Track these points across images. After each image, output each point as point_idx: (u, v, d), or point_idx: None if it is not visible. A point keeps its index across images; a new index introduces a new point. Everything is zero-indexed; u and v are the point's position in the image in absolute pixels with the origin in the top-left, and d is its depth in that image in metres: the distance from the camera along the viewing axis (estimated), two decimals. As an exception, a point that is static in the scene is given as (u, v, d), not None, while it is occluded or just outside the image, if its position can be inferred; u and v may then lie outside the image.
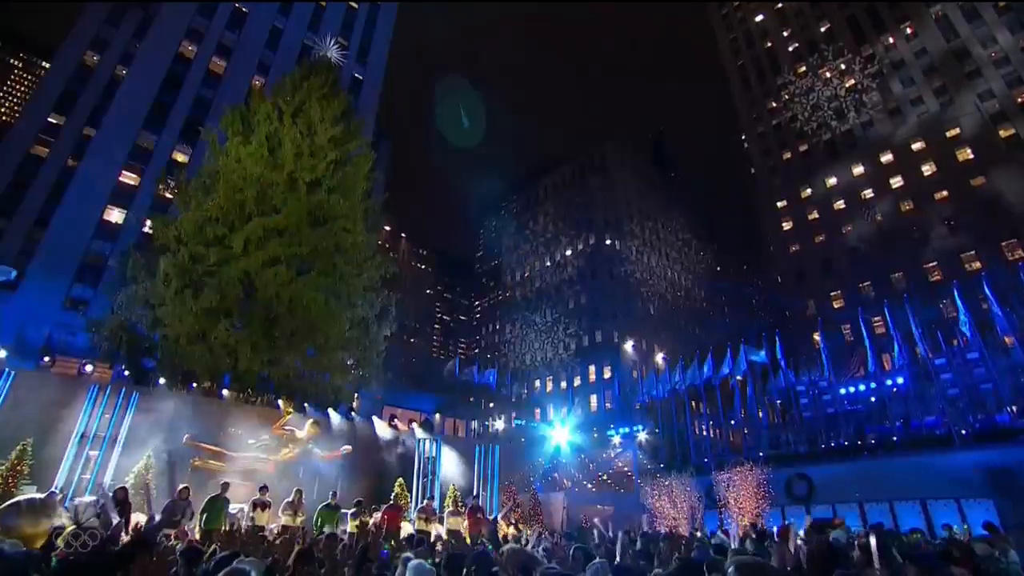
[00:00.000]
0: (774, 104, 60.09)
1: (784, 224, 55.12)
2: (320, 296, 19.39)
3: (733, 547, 6.61)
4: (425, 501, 14.16)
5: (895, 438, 21.28)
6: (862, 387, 25.01)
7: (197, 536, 8.65)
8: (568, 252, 69.49)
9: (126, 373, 15.55)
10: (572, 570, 4.62)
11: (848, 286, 47.14)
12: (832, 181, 52.86)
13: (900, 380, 24.32)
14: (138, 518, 10.32)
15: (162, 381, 16.23)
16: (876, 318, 34.54)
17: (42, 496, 9.93)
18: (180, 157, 32.71)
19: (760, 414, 26.84)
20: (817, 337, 24.50)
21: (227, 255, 18.25)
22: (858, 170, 51.20)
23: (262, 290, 18.48)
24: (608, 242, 65.32)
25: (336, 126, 22.45)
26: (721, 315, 79.78)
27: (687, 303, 73.28)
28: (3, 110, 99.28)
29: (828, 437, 22.87)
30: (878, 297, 38.19)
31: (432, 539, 10.64)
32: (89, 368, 14.80)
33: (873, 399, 24.76)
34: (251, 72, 36.61)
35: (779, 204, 56.09)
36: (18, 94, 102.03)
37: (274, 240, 19.21)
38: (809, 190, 54.37)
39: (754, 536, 7.95)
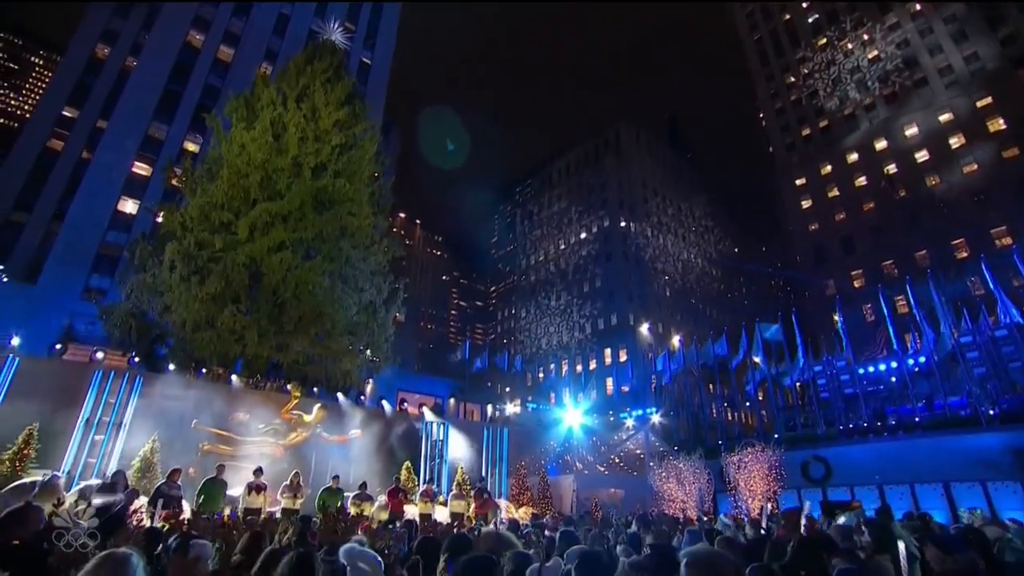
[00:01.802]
0: (792, 79, 58.12)
1: (803, 202, 53.58)
2: (326, 280, 19.31)
3: (728, 534, 6.25)
4: (425, 484, 14.05)
5: (917, 419, 20.55)
6: (882, 367, 24.12)
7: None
8: (583, 235, 68.69)
9: (136, 360, 15.65)
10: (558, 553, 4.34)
11: (870, 265, 45.75)
12: (853, 157, 51.07)
13: (923, 359, 23.46)
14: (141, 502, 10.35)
15: (172, 367, 16.33)
16: (899, 297, 33.39)
17: (45, 479, 10.05)
18: (191, 147, 32.83)
19: (777, 395, 26.22)
20: (836, 317, 23.67)
21: (232, 241, 18.22)
22: (881, 144, 49.35)
23: (268, 275, 18.44)
24: (623, 224, 64.34)
25: (341, 109, 22.20)
26: (738, 296, 78.51)
27: (704, 284, 72.10)
28: (27, 107, 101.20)
29: (846, 418, 22.20)
30: (901, 275, 36.92)
31: (430, 521, 10.54)
32: (100, 355, 14.90)
33: (894, 379, 23.90)
34: (259, 60, 36.45)
35: (798, 182, 54.47)
36: (39, 91, 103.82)
37: (279, 225, 19.12)
38: (829, 167, 52.63)
39: (757, 519, 7.57)
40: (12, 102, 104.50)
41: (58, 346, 14.97)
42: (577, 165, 75.69)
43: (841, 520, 8.27)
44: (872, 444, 19.56)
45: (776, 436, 19.94)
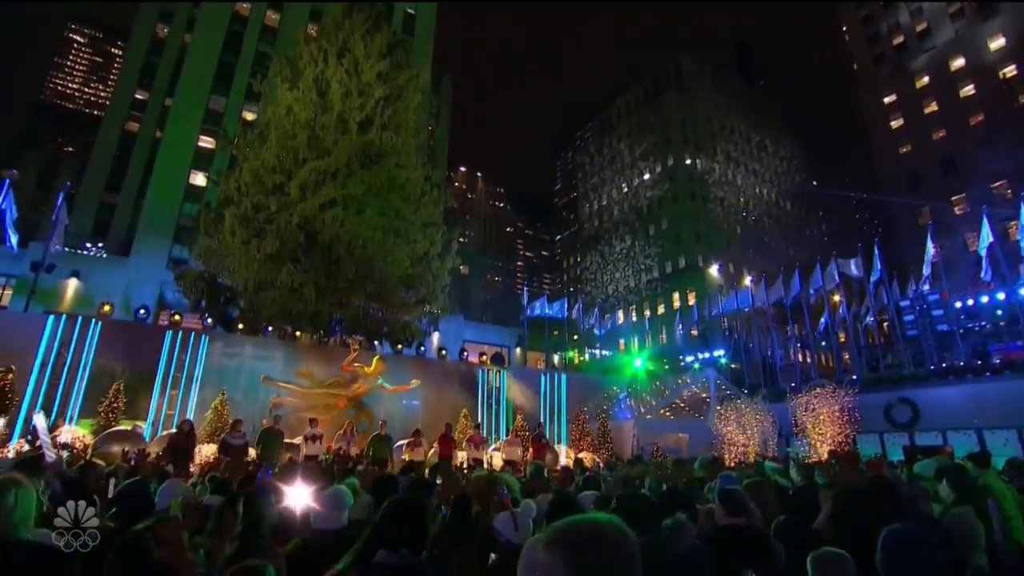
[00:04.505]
0: (883, -22, 50.71)
1: (892, 122, 47.68)
2: (378, 234, 19.43)
3: (774, 478, 5.60)
4: (473, 431, 14.19)
5: (1029, 355, 18.17)
6: (984, 299, 21.25)
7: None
8: (646, 176, 65.57)
9: (209, 321, 16.65)
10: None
11: (975, 186, 40.24)
12: (959, 63, 44.31)
13: (1039, 289, 20.52)
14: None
15: (241, 327, 17.33)
16: (1011, 222, 29.25)
17: (129, 428, 11.13)
18: (249, 115, 33.72)
19: (858, 334, 24.14)
20: (930, 247, 21.03)
21: (286, 202, 18.66)
22: (996, 44, 42.30)
23: (322, 233, 18.82)
24: (688, 161, 60.64)
25: (382, 61, 21.73)
26: (816, 232, 72.60)
27: (778, 220, 67.23)
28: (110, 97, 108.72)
29: (939, 357, 19.99)
30: (1015, 197, 32.23)
31: (480, 466, 10.61)
32: (176, 317, 15.93)
33: (1000, 312, 21.11)
34: (304, 21, 36.32)
35: (887, 99, 48.37)
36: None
37: (329, 183, 19.30)
38: (927, 78, 46.10)
39: (810, 464, 6.82)
40: (101, 93, 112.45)
41: (141, 311, 16.14)
42: (637, 103, 71.51)
43: (919, 466, 7.33)
44: (970, 384, 17.51)
45: (854, 377, 18.31)
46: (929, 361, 20.01)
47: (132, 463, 6.00)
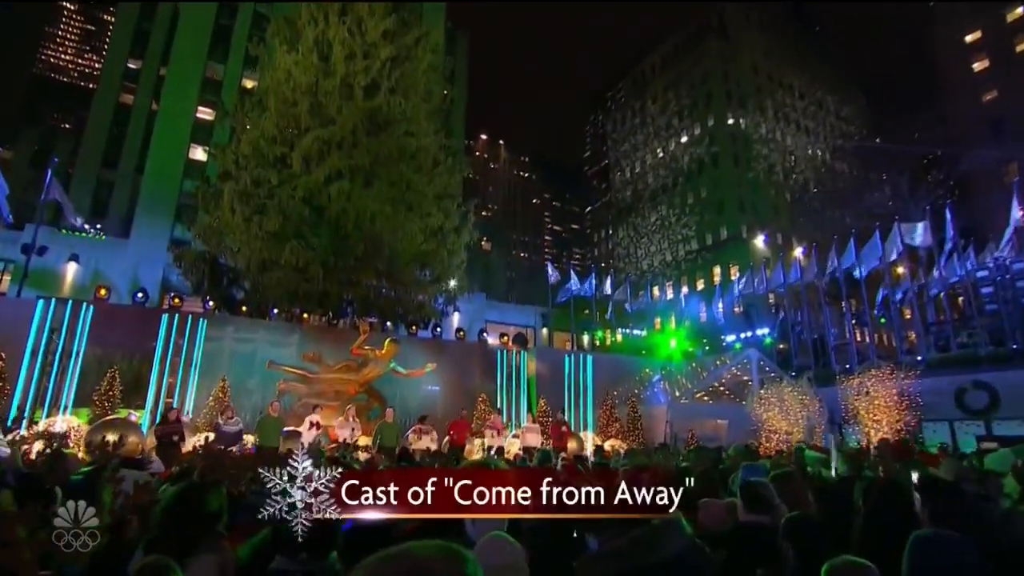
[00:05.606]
0: None
1: (975, 64, 44.98)
2: (387, 208, 19.38)
3: (811, 470, 5.37)
4: (492, 416, 14.25)
5: None
6: (1083, 266, 19.94)
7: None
8: (684, 139, 63.88)
9: (210, 303, 16.96)
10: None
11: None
12: (1060, -14, 41.22)
13: None
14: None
15: (244, 309, 17.63)
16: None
17: (123, 417, 11.48)
18: (249, 83, 33.84)
19: (925, 309, 23.16)
20: (1016, 209, 19.83)
21: (288, 175, 18.74)
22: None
23: (328, 208, 18.88)
24: (731, 121, 58.77)
25: (387, 18, 21.46)
26: (879, 194, 69.63)
27: (833, 184, 64.76)
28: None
29: (1024, 335, 18.97)
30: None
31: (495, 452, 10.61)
32: (176, 301, 16.26)
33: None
34: (305, -22, 36.09)
35: (968, 38, 45.60)
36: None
37: (334, 153, 19.28)
38: (1021, 9, 43.10)
39: (857, 454, 6.53)
40: (96, 65, 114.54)
41: (139, 295, 16.52)
42: (675, 56, 69.16)
43: (993, 458, 6.98)
44: (1064, 366, 16.61)
45: (920, 358, 17.57)
46: (1012, 340, 19.04)
47: (96, 453, 6.19)
